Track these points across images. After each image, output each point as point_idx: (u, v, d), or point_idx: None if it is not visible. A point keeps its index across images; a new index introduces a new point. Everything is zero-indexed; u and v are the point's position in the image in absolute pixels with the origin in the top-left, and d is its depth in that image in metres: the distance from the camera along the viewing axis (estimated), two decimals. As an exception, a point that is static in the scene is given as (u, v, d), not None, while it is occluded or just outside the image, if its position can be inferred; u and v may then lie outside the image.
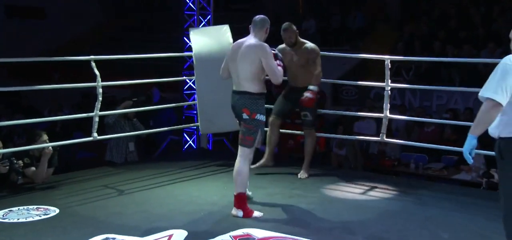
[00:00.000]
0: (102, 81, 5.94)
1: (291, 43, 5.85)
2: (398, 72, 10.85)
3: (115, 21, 19.33)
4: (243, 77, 4.76)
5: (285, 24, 5.87)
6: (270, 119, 6.04)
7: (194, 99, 7.15)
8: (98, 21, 19.10)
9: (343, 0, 14.58)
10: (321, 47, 13.72)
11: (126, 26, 18.94)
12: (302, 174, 6.01)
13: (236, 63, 4.81)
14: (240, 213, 4.74)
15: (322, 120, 10.20)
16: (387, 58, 5.99)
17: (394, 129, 9.73)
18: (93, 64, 5.90)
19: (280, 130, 6.19)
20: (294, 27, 5.86)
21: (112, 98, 12.42)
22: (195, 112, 6.99)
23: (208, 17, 8.71)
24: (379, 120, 6.85)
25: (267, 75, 4.81)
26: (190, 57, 6.99)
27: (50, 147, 5.75)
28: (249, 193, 5.01)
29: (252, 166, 5.87)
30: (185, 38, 8.54)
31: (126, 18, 19.32)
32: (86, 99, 11.93)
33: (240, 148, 4.82)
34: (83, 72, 6.82)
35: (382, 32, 13.16)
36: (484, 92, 3.21)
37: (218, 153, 7.90)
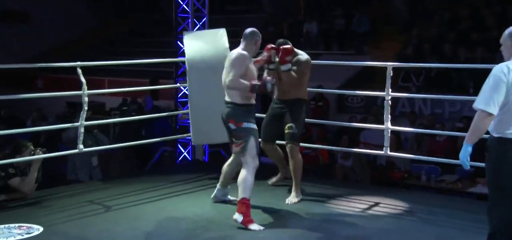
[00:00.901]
0: (92, 88, 5.90)
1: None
2: (407, 77, 10.83)
3: (109, 25, 19.32)
4: (227, 87, 5.03)
5: (280, 40, 5.75)
6: (261, 145, 5.84)
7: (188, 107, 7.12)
8: (90, 26, 19.10)
9: (347, 1, 14.58)
10: (324, 51, 13.69)
11: (121, 30, 18.94)
12: (291, 199, 5.66)
13: (223, 73, 5.08)
14: (240, 218, 4.85)
15: (324, 129, 10.17)
16: (389, 65, 5.93)
17: (403, 138, 9.69)
18: (80, 70, 5.84)
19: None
20: (290, 45, 5.71)
21: (100, 107, 12.39)
22: (190, 121, 6.96)
23: (203, 20, 8.68)
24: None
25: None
26: (184, 62, 6.96)
27: (40, 151, 5.72)
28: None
29: (269, 182, 6.11)
30: (179, 42, 8.50)
31: (120, 22, 19.31)
32: (72, 109, 11.90)
33: (241, 159, 5.02)
34: (70, 79, 6.79)
35: (389, 35, 13.17)
36: (478, 103, 3.63)
37: (214, 165, 7.80)
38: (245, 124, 4.95)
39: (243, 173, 4.95)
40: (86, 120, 5.98)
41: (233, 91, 4.98)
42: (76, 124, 5.99)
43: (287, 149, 5.71)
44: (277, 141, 6.01)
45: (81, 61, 5.96)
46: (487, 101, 3.58)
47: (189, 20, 8.64)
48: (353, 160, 9.23)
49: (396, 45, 12.37)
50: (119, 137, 9.90)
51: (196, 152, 8.46)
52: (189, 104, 6.80)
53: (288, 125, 5.68)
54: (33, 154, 5.76)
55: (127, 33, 18.63)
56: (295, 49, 5.73)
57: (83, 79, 5.83)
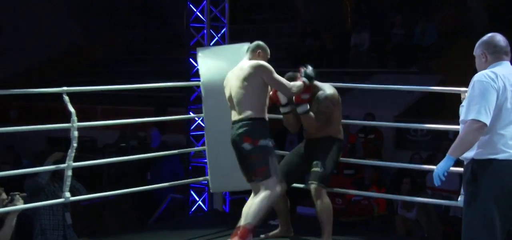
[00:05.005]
0: (81, 120, 5.92)
1: None
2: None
3: (101, 39, 19.52)
4: (241, 101, 5.34)
5: (289, 74, 5.87)
6: None
7: (204, 143, 7.14)
8: (76, 41, 19.32)
9: (408, 7, 14.57)
10: (378, 69, 13.60)
11: (117, 46, 19.11)
12: None
13: (231, 90, 5.47)
14: None
15: (379, 171, 10.10)
16: (463, 90, 5.86)
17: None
18: (67, 98, 5.87)
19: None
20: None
21: (91, 144, 12.45)
22: (206, 160, 6.98)
23: (222, 31, 8.73)
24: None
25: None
26: (199, 86, 6.99)
27: (19, 198, 5.75)
28: None
29: (262, 236, 6.09)
30: (191, 59, 8.56)
31: (116, 36, 19.50)
32: (55, 146, 12.01)
33: (257, 184, 5.29)
34: (52, 108, 6.82)
35: (464, 49, 13.08)
36: (466, 115, 4.07)
37: (237, 217, 7.83)
38: (261, 142, 5.20)
39: (259, 195, 5.19)
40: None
41: (248, 104, 5.30)
42: (61, 165, 6.00)
43: (312, 190, 5.75)
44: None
45: (65, 84, 5.99)
46: (478, 109, 4.01)
47: (205, 31, 8.67)
48: (417, 211, 9.15)
49: (473, 62, 12.30)
50: (116, 181, 9.93)
51: (214, 200, 8.45)
52: (205, 139, 6.82)
53: (315, 162, 5.79)
54: (9, 202, 5.76)
55: (125, 50, 18.77)
56: (318, 83, 5.83)
57: (71, 108, 5.82)
